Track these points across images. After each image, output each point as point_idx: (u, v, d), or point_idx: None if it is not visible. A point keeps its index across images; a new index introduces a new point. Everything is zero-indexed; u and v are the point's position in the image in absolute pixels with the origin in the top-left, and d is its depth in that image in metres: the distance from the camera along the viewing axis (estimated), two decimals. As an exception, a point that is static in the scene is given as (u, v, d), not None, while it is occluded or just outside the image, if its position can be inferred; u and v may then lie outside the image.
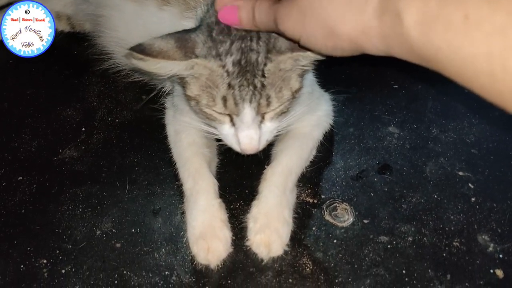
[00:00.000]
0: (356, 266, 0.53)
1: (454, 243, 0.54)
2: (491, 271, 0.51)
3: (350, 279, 0.52)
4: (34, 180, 0.62)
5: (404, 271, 0.52)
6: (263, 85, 0.46)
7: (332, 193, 0.60)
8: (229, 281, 0.52)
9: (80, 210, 0.59)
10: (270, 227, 0.53)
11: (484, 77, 0.29)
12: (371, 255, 0.54)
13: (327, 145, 0.64)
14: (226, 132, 0.50)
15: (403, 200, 0.58)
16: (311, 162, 0.62)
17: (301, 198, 0.59)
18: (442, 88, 0.75)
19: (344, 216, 0.57)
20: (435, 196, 0.58)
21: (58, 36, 0.80)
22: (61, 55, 0.80)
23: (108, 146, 0.67)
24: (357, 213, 0.57)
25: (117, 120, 0.70)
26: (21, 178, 0.63)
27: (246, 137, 0.49)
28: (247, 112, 0.47)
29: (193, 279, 0.52)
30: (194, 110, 0.52)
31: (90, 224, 0.57)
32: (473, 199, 0.58)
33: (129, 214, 0.59)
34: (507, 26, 0.28)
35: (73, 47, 0.83)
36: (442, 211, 0.57)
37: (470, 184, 0.59)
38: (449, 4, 0.30)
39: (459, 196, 0.58)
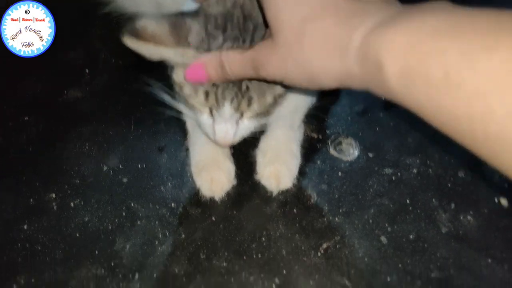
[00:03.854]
0: (360, 197, 0.53)
1: (459, 174, 0.54)
2: (496, 200, 0.51)
3: (354, 209, 0.52)
4: (40, 120, 0.63)
5: (408, 201, 0.52)
6: (247, 88, 0.46)
7: (337, 128, 0.60)
8: (235, 212, 0.53)
9: (87, 147, 0.60)
10: (280, 160, 0.54)
11: (466, 137, 0.29)
12: (375, 186, 0.54)
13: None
14: (204, 122, 0.50)
15: (408, 134, 0.58)
16: (316, 98, 0.61)
17: (305, 133, 0.59)
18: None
19: (348, 150, 0.57)
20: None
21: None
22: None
23: (112, 87, 0.67)
24: (362, 147, 0.57)
25: (120, 62, 0.70)
26: (27, 118, 0.63)
27: (222, 130, 0.49)
28: (227, 109, 0.47)
29: (199, 211, 0.53)
30: (178, 93, 0.51)
31: (97, 161, 0.58)
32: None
33: (135, 151, 0.59)
34: (488, 90, 0.26)
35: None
36: (448, 143, 0.55)
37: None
38: (430, 58, 0.28)
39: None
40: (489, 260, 0.47)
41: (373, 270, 0.47)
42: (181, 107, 0.53)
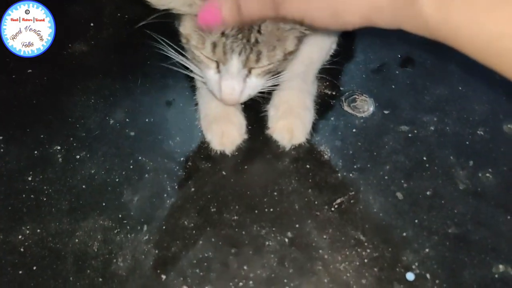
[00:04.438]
0: (375, 153, 0.52)
1: (478, 132, 0.52)
2: (516, 157, 0.50)
3: (369, 165, 0.51)
4: (44, 73, 0.61)
5: (425, 158, 0.51)
6: (256, 41, 0.44)
7: (352, 85, 0.58)
8: (246, 167, 0.51)
9: (93, 101, 0.58)
10: (293, 113, 0.52)
11: (507, 56, 0.27)
12: (391, 143, 0.52)
13: (348, 40, 0.61)
14: (210, 78, 0.48)
15: (426, 91, 0.56)
16: (330, 56, 0.59)
17: (319, 90, 0.57)
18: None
19: (363, 107, 0.55)
20: (460, 88, 0.56)
21: None
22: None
23: (118, 41, 0.64)
24: (377, 104, 0.56)
25: (126, 16, 0.67)
26: (30, 71, 0.61)
27: (228, 87, 0.47)
28: (234, 63, 0.45)
29: (209, 165, 0.51)
30: (185, 48, 0.49)
31: (103, 114, 0.56)
32: (500, 89, 0.55)
33: (142, 105, 0.57)
34: None
35: None
36: (467, 102, 0.55)
37: (497, 76, 0.57)
38: None
39: (485, 87, 0.56)
40: (508, 217, 0.46)
41: (388, 225, 0.46)
42: (188, 63, 0.51)
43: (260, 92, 0.50)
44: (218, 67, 0.47)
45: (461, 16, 0.28)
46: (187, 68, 0.52)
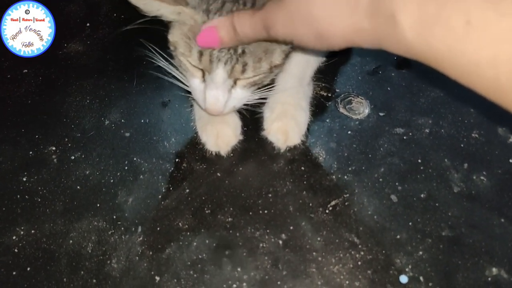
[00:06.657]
0: (370, 155, 0.52)
1: (473, 135, 0.52)
2: (510, 160, 0.50)
3: (363, 168, 0.51)
4: (39, 73, 0.61)
5: (419, 161, 0.51)
6: (243, 51, 0.44)
7: (347, 87, 0.58)
8: (240, 168, 0.51)
9: (88, 101, 0.58)
10: (288, 115, 0.52)
11: (488, 82, 0.27)
12: (386, 145, 0.52)
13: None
14: (195, 87, 0.48)
15: (421, 94, 0.56)
16: (326, 57, 0.59)
17: (314, 92, 0.57)
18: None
19: (359, 109, 0.55)
20: (455, 90, 0.56)
21: None
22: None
23: (114, 41, 0.64)
24: (372, 106, 0.56)
25: (122, 16, 0.67)
26: (26, 70, 0.61)
27: (213, 97, 0.46)
28: (219, 72, 0.45)
29: (204, 166, 0.51)
30: (172, 55, 0.49)
31: (98, 115, 0.56)
32: (495, 92, 0.55)
33: (138, 105, 0.57)
34: None
35: None
36: (462, 105, 0.55)
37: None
38: (449, 7, 0.27)
39: (481, 90, 0.56)
40: (502, 220, 0.46)
41: (382, 227, 0.46)
42: (174, 71, 0.51)
43: (245, 105, 0.50)
44: (203, 76, 0.47)
45: (440, 43, 0.28)
46: (174, 77, 0.52)
